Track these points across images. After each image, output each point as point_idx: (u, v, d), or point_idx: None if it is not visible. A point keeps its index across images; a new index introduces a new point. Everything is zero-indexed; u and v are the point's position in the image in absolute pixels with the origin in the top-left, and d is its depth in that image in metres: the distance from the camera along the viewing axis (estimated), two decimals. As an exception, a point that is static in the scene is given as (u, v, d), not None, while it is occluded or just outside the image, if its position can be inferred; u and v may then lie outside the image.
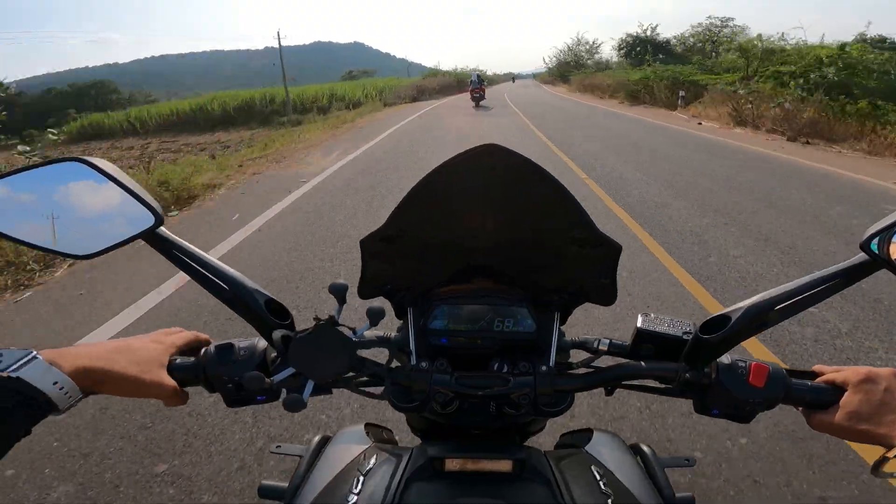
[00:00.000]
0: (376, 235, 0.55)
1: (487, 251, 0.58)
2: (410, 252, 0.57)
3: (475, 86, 17.75)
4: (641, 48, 29.32)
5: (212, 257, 0.55)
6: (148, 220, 0.51)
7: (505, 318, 0.59)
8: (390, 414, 1.86)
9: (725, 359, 0.53)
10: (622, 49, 31.81)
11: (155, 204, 0.52)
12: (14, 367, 0.39)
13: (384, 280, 0.60)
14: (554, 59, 49.45)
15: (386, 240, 0.55)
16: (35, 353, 0.41)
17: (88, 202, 0.51)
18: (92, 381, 0.44)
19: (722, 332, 0.51)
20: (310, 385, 0.49)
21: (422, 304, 0.60)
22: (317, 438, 0.63)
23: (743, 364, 0.52)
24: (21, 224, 0.50)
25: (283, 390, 0.50)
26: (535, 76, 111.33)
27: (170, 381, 0.51)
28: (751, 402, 0.51)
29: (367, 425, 0.64)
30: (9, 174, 0.49)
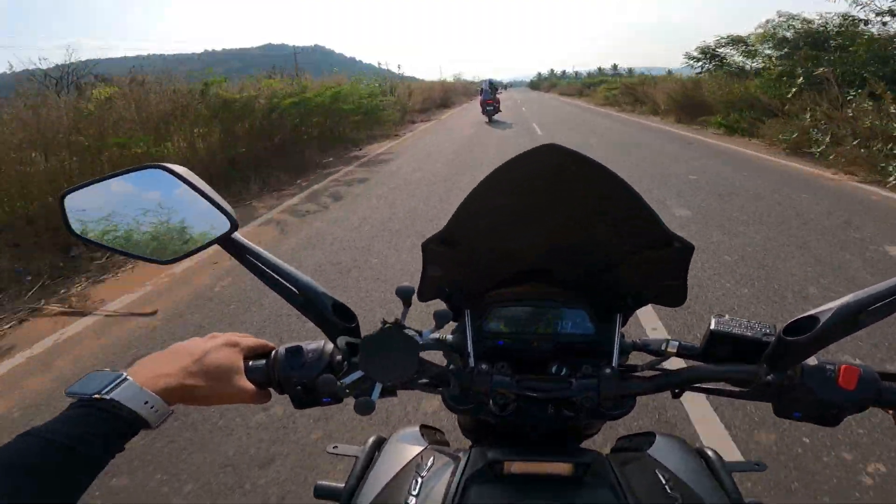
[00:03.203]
0: (436, 238, 0.59)
1: (546, 253, 0.61)
2: (469, 254, 0.60)
3: (487, 96, 15.96)
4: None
5: (283, 263, 0.59)
6: (224, 225, 0.56)
7: (563, 321, 0.61)
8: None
9: (811, 360, 0.53)
10: None
11: (230, 209, 0.56)
12: (108, 389, 0.43)
13: (443, 283, 0.63)
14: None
15: (446, 243, 0.58)
16: (126, 374, 0.45)
17: (168, 207, 0.55)
18: (178, 398, 0.48)
19: (810, 334, 0.50)
20: (378, 387, 0.52)
21: (479, 306, 0.63)
22: (372, 439, 0.66)
23: (831, 366, 0.52)
24: (104, 229, 0.53)
25: (346, 388, 0.54)
26: (528, 85, 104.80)
27: (249, 386, 0.55)
28: (838, 405, 0.51)
29: (422, 427, 0.67)
30: (92, 182, 0.52)
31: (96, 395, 0.42)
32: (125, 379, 0.44)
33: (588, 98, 31.58)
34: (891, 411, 0.53)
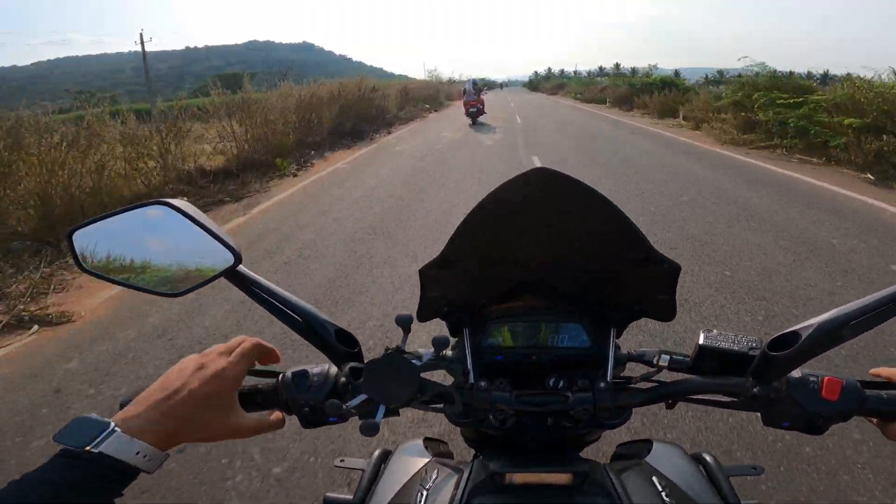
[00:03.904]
0: (434, 263, 0.61)
1: (541, 270, 0.64)
2: (466, 275, 0.63)
3: (471, 97, 14.52)
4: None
5: (286, 292, 0.62)
6: (228, 258, 0.57)
7: (559, 334, 0.64)
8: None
9: (796, 373, 0.55)
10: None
11: (233, 243, 0.58)
12: (95, 443, 0.41)
13: (441, 303, 0.66)
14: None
15: (443, 265, 0.61)
16: (113, 425, 0.43)
17: (172, 242, 0.57)
18: (172, 443, 0.47)
19: (792, 349, 0.52)
20: (381, 409, 0.54)
21: (477, 324, 0.65)
22: (377, 452, 0.69)
23: (815, 378, 0.54)
24: (113, 265, 0.55)
25: (351, 410, 0.56)
26: (526, 85, 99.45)
27: (244, 423, 0.53)
28: (823, 415, 0.54)
29: (425, 439, 0.69)
30: (98, 219, 0.54)
31: (87, 449, 0.41)
32: (113, 430, 0.42)
33: (648, 114, 17.49)
34: (874, 419, 0.56)
